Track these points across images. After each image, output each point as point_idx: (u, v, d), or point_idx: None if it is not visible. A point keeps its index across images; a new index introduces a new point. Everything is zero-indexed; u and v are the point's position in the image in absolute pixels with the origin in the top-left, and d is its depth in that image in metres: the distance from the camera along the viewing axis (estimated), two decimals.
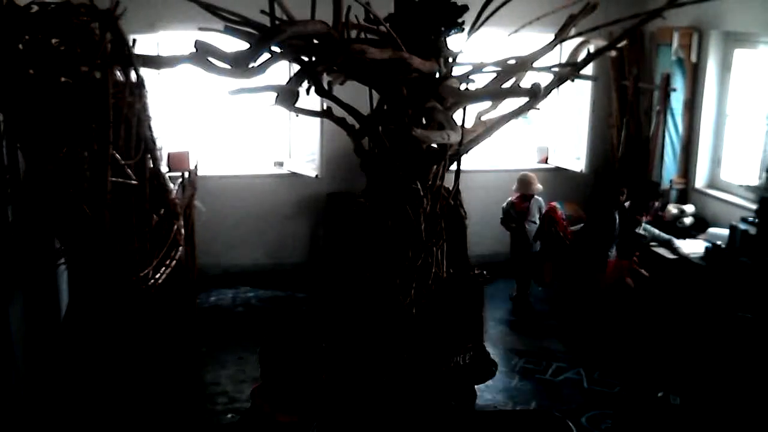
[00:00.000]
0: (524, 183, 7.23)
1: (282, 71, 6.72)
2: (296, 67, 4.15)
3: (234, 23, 3.77)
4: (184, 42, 6.15)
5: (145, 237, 4.36)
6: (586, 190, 8.17)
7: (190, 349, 5.57)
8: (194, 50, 3.42)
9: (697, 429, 5.19)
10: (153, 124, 4.43)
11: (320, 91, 4.30)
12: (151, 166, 4.46)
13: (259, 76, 3.67)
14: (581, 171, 8.24)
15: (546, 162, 8.62)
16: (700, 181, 7.40)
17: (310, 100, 4.46)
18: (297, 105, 4.38)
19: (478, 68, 4.45)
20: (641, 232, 6.70)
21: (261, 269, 7.98)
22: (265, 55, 3.64)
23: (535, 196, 7.26)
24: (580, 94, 8.20)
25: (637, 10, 4.90)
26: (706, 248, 6.25)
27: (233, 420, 5.23)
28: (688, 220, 7.10)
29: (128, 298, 4.27)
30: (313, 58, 3.99)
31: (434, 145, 4.51)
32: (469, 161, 6.29)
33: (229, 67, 3.51)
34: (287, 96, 4.25)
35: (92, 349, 4.36)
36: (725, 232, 6.25)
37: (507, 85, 4.64)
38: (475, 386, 5.21)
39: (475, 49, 4.69)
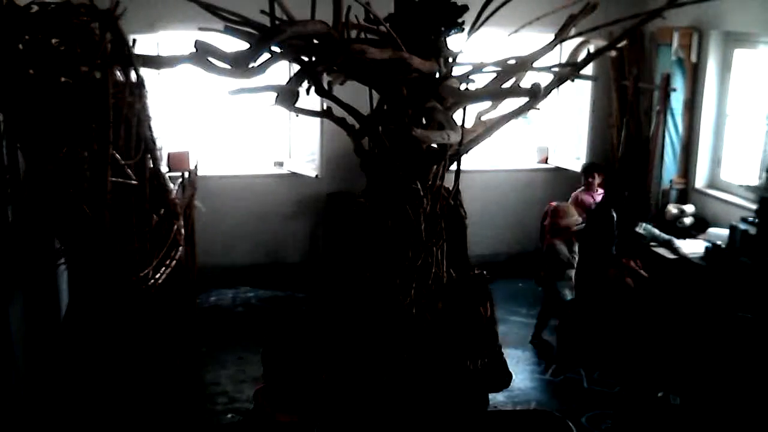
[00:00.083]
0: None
1: (282, 71, 6.72)
2: (296, 67, 4.15)
3: (234, 23, 3.77)
4: (184, 42, 6.15)
5: (145, 237, 4.35)
6: None
7: (190, 349, 5.57)
8: (194, 50, 3.42)
9: (697, 429, 5.19)
10: (153, 124, 4.43)
11: (320, 91, 4.30)
12: (151, 166, 4.46)
13: (259, 76, 3.66)
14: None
15: (546, 162, 8.62)
16: (700, 181, 7.40)
17: (310, 100, 4.46)
18: (297, 105, 4.38)
19: (478, 68, 4.44)
20: (641, 231, 6.70)
21: (261, 269, 7.98)
22: (265, 55, 3.64)
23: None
24: (580, 94, 8.20)
25: (637, 10, 4.91)
26: (706, 248, 6.26)
27: (233, 420, 5.23)
28: (688, 220, 7.11)
29: (128, 298, 4.26)
30: (313, 58, 3.99)
31: (434, 145, 4.51)
32: (469, 161, 6.29)
33: (229, 67, 3.51)
34: (287, 96, 4.24)
35: (92, 349, 4.36)
36: (725, 232, 6.25)
37: (507, 85, 4.63)
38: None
39: (475, 49, 4.69)
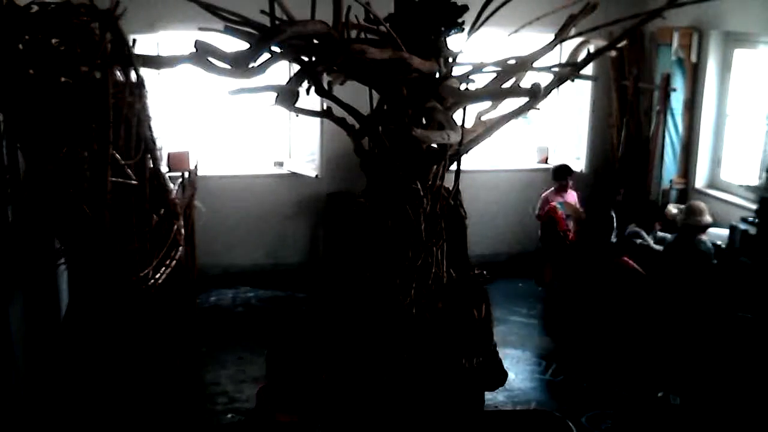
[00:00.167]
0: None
1: (282, 71, 6.72)
2: (296, 67, 4.15)
3: (234, 23, 3.77)
4: (184, 42, 6.15)
5: (145, 237, 4.35)
6: (586, 190, 8.17)
7: (190, 349, 5.57)
8: (194, 50, 3.42)
9: (697, 429, 5.19)
10: (153, 124, 4.43)
11: (320, 91, 4.30)
12: (151, 166, 4.46)
13: (259, 76, 3.66)
14: (581, 171, 8.24)
15: (546, 162, 8.62)
16: (700, 181, 7.41)
17: (310, 100, 4.46)
18: (297, 105, 4.38)
19: (478, 68, 4.44)
20: (637, 242, 6.71)
21: (261, 269, 7.98)
22: (265, 55, 3.64)
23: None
24: (580, 94, 8.21)
25: (637, 10, 4.91)
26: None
27: (233, 420, 5.23)
28: None
29: (128, 298, 4.26)
30: (313, 58, 3.99)
31: (434, 145, 4.51)
32: (469, 161, 6.29)
33: (229, 67, 3.51)
34: (287, 96, 4.24)
35: (92, 349, 4.36)
36: (725, 232, 6.25)
37: (507, 85, 4.63)
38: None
39: (475, 49, 4.69)
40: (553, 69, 4.53)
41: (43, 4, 3.96)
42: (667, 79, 7.32)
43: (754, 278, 5.65)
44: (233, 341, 6.45)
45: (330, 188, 7.91)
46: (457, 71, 4.45)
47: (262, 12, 3.81)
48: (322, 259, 7.97)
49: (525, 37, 5.00)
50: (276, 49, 3.72)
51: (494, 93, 4.59)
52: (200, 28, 3.90)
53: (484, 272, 5.07)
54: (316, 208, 8.02)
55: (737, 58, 7.05)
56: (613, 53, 7.57)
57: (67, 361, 4.44)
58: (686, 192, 7.47)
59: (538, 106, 4.45)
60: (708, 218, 6.26)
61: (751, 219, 6.05)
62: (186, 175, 5.87)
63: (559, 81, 4.32)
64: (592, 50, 5.15)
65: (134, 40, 3.92)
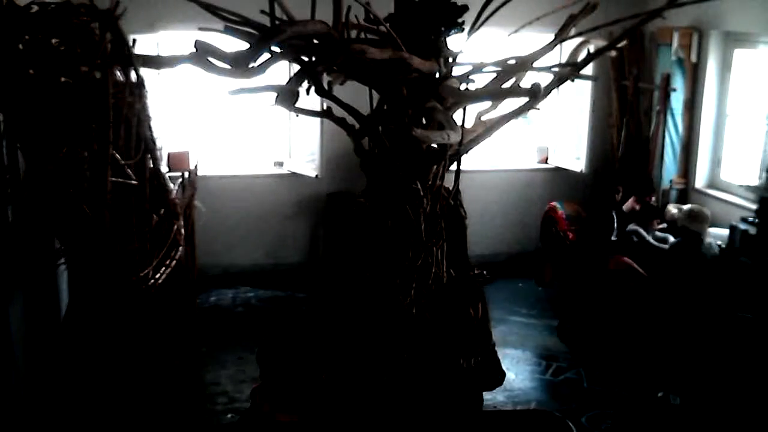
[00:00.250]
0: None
1: (282, 71, 6.72)
2: (296, 67, 4.15)
3: (234, 23, 3.76)
4: (184, 42, 6.15)
5: (145, 237, 4.35)
6: (586, 190, 8.17)
7: (190, 349, 5.57)
8: (194, 50, 3.41)
9: (697, 429, 5.19)
10: (153, 124, 4.43)
11: (320, 91, 4.30)
12: (151, 166, 4.46)
13: (259, 76, 3.66)
14: (581, 171, 8.23)
15: (546, 162, 8.62)
16: (700, 181, 7.40)
17: (310, 100, 4.45)
18: (297, 105, 4.37)
19: (478, 68, 4.44)
20: (635, 239, 6.70)
21: (261, 269, 7.98)
22: (265, 55, 3.64)
23: None
24: (580, 94, 8.20)
25: (637, 10, 4.90)
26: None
27: (233, 420, 5.23)
28: None
29: (128, 298, 4.26)
30: (313, 58, 3.99)
31: (434, 145, 4.51)
32: (469, 161, 6.29)
33: (229, 67, 3.50)
34: (287, 96, 4.24)
35: (92, 349, 4.36)
36: (725, 232, 6.25)
37: (507, 85, 4.63)
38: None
39: (475, 49, 4.69)
40: (553, 69, 4.53)
41: (43, 4, 3.97)
42: (667, 79, 7.32)
43: (754, 278, 5.65)
44: (233, 341, 6.45)
45: (330, 188, 7.91)
46: (457, 71, 4.45)
47: (262, 12, 3.81)
48: (322, 259, 7.97)
49: (525, 37, 5.00)
50: (276, 49, 3.72)
51: (494, 93, 4.58)
52: (200, 28, 3.90)
53: (484, 272, 5.07)
54: (316, 208, 8.02)
55: (737, 58, 7.05)
56: (613, 53, 7.57)
57: (67, 361, 4.44)
58: (686, 192, 7.47)
59: (538, 106, 4.44)
60: (709, 229, 6.38)
61: (751, 219, 6.05)
62: (186, 175, 5.87)
63: (559, 81, 4.32)
64: (592, 50, 5.16)
65: (134, 40, 3.92)
